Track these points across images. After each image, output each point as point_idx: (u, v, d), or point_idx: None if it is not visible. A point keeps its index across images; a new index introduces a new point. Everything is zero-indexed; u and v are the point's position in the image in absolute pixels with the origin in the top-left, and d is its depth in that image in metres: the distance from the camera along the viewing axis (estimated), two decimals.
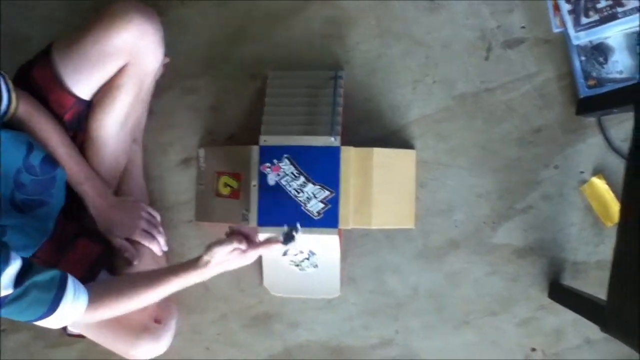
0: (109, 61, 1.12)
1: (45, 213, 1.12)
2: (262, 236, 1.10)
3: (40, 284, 0.89)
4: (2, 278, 0.83)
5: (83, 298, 0.95)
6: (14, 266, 0.86)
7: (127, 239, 1.19)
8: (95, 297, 0.97)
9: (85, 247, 1.18)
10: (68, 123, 1.16)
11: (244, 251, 1.04)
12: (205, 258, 1.01)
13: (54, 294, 0.90)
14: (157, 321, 1.18)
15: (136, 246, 1.20)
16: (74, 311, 0.94)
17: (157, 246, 1.21)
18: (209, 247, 1.03)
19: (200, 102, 1.33)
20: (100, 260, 1.19)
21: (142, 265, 1.21)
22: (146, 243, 1.19)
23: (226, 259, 1.03)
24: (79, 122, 1.18)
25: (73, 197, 1.17)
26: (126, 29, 1.09)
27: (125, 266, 1.21)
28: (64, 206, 1.17)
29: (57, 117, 1.14)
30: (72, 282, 0.94)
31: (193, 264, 1.02)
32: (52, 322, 0.93)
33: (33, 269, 0.89)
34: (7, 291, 0.85)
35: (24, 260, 0.88)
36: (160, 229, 1.24)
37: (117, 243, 1.19)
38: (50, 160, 1.12)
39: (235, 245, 1.03)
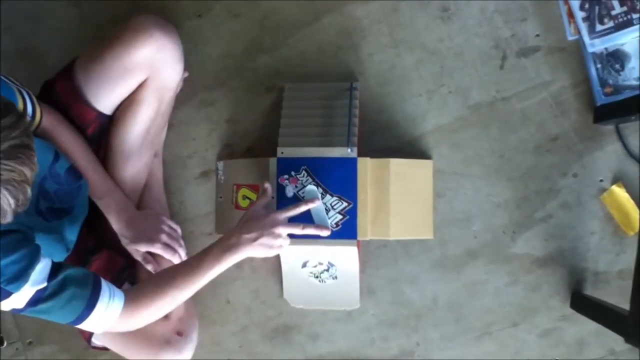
0: (129, 76, 1.14)
1: (68, 223, 1.13)
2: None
3: (76, 278, 0.90)
4: (35, 271, 0.84)
5: (119, 296, 0.95)
6: (45, 262, 0.87)
7: (149, 252, 1.20)
8: (132, 298, 0.97)
9: (108, 259, 1.20)
10: (90, 137, 1.18)
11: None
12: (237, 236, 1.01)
13: (90, 290, 0.91)
14: (179, 334, 1.18)
15: (157, 259, 1.21)
16: (112, 311, 0.94)
17: (179, 259, 1.22)
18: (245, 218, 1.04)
19: (217, 115, 1.35)
20: (123, 273, 1.20)
21: None
22: (168, 256, 1.20)
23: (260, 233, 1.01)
24: (100, 136, 1.20)
25: (94, 210, 1.19)
26: (146, 44, 1.11)
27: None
28: (91, 227, 1.19)
29: (80, 131, 1.16)
30: (105, 282, 0.95)
31: (225, 241, 1.02)
32: (91, 323, 0.93)
33: (64, 266, 0.90)
34: (42, 285, 0.86)
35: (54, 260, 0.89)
36: (182, 241, 1.25)
37: (139, 256, 1.20)
38: (75, 171, 1.13)
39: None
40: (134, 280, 1.24)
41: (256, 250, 1.03)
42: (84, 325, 0.93)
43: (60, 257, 1.12)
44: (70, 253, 1.15)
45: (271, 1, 1.34)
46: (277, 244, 1.04)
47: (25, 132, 0.74)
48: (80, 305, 0.91)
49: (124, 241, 1.19)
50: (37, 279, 0.86)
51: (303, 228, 1.07)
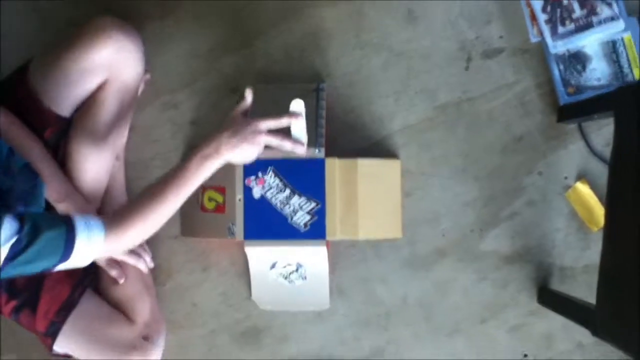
0: (88, 78, 1.11)
1: None
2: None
3: (46, 222, 0.85)
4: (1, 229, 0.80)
5: (97, 225, 0.90)
6: (8, 218, 0.82)
7: (112, 258, 1.17)
8: (116, 221, 0.93)
9: None
10: (48, 141, 1.14)
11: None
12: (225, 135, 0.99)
13: (65, 227, 0.86)
14: (146, 338, 1.16)
15: (121, 264, 1.18)
16: (95, 240, 0.89)
17: (143, 264, 1.19)
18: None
19: (181, 117, 1.32)
20: (85, 279, 1.16)
21: (128, 283, 1.19)
22: (132, 262, 1.17)
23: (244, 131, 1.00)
24: (58, 140, 1.16)
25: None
26: (105, 45, 1.08)
27: (112, 285, 1.19)
28: None
29: (37, 134, 1.12)
30: (77, 215, 0.90)
31: (205, 147, 0.99)
32: (76, 258, 0.88)
33: (29, 215, 0.85)
34: (13, 239, 0.81)
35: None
36: (146, 246, 1.22)
37: (102, 262, 1.17)
38: (31, 169, 1.08)
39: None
40: (96, 286, 1.20)
41: (236, 155, 1.00)
42: (71, 263, 0.88)
43: None
44: None
45: (236, 3, 1.32)
46: (255, 150, 1.02)
47: None
48: (60, 245, 0.85)
49: None
50: (6, 236, 0.80)
51: (281, 140, 1.04)
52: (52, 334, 1.12)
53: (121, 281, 1.18)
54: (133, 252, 1.18)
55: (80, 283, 1.16)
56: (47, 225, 0.85)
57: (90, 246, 0.89)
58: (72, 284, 1.14)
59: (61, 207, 1.13)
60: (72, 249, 0.87)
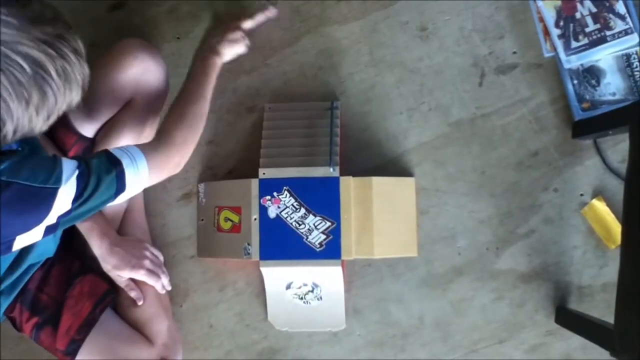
0: (113, 98, 1.13)
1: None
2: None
3: (99, 166, 0.91)
4: (63, 167, 0.86)
5: (139, 156, 0.97)
6: (66, 160, 0.88)
7: (132, 279, 1.18)
8: (155, 145, 1.02)
9: (92, 283, 1.18)
10: None
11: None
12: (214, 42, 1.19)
13: (114, 170, 0.92)
14: None
15: (140, 285, 1.19)
16: (141, 171, 0.96)
17: (161, 285, 1.20)
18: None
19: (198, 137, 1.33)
20: (106, 297, 1.18)
21: (146, 304, 1.20)
22: (152, 282, 1.18)
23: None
24: None
25: (80, 235, 1.16)
26: (131, 65, 1.10)
27: (131, 305, 1.20)
28: (70, 243, 1.17)
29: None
30: (119, 150, 0.96)
31: (201, 54, 1.19)
32: (129, 191, 0.96)
33: (82, 159, 0.91)
34: (75, 173, 0.87)
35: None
36: (164, 268, 1.23)
37: (121, 283, 1.18)
38: None
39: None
40: (116, 306, 1.22)
41: (226, 45, 1.19)
42: (125, 195, 0.96)
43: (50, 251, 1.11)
44: (54, 275, 1.13)
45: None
46: (239, 35, 1.22)
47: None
48: (113, 182, 0.92)
49: (106, 267, 1.17)
50: (68, 174, 0.86)
51: (253, 18, 1.25)
52: (71, 352, 1.13)
53: (140, 302, 1.19)
54: (152, 272, 1.19)
55: (101, 301, 1.17)
56: (98, 166, 0.91)
57: (139, 175, 0.96)
58: (93, 301, 1.15)
59: (84, 227, 1.15)
60: (124, 185, 0.94)
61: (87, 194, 0.88)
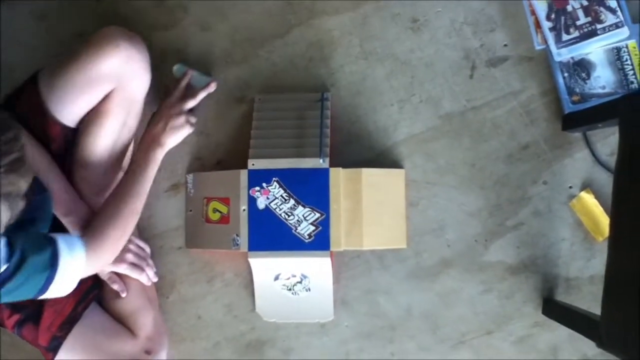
0: (95, 87, 1.11)
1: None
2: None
3: (32, 246, 0.88)
4: None
5: (78, 244, 0.95)
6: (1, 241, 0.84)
7: (115, 272, 1.18)
8: (90, 237, 0.99)
9: None
10: (55, 152, 1.15)
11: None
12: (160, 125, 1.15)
13: (49, 253, 0.90)
14: (148, 352, 1.16)
15: (124, 278, 1.18)
16: (77, 260, 0.94)
17: (146, 277, 1.20)
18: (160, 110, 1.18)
19: None
20: (90, 293, 1.17)
21: (131, 297, 1.19)
22: (135, 275, 1.18)
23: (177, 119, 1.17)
24: (65, 151, 1.16)
25: (63, 229, 1.15)
26: (113, 54, 1.08)
27: (114, 298, 1.19)
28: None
29: (43, 145, 1.13)
30: (60, 236, 0.94)
31: (143, 143, 1.14)
32: (60, 283, 0.92)
33: (18, 237, 0.88)
34: (4, 266, 0.83)
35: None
36: (149, 260, 1.22)
37: (103, 276, 1.17)
38: (39, 182, 1.09)
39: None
40: (100, 298, 1.21)
41: (169, 134, 1.16)
42: (54, 289, 0.92)
43: None
44: None
45: (240, 13, 1.33)
46: (182, 121, 1.18)
47: (22, 146, 0.75)
48: (44, 272, 0.89)
49: None
50: None
51: (195, 97, 1.22)
52: (53, 348, 1.13)
53: (123, 295, 1.19)
54: (135, 265, 1.18)
55: (84, 298, 1.16)
56: (33, 250, 0.87)
57: (73, 267, 0.93)
58: (76, 298, 1.14)
59: (68, 221, 1.13)
60: (56, 271, 0.90)
61: (11, 284, 0.86)
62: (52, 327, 1.13)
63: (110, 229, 1.04)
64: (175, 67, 1.29)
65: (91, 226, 1.05)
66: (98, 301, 1.21)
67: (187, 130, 1.19)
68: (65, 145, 1.16)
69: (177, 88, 1.23)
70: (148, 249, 1.23)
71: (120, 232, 1.05)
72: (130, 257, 1.18)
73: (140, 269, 1.19)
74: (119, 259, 1.16)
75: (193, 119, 1.21)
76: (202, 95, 1.24)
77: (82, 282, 1.16)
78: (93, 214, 1.16)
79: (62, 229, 1.15)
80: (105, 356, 1.11)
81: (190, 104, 1.21)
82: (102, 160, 1.17)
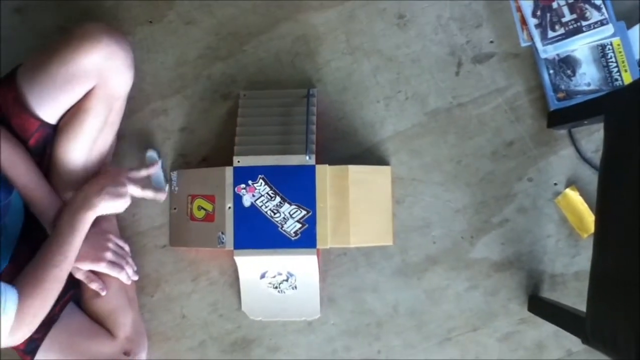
0: (76, 83, 1.09)
1: (1, 240, 1.07)
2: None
3: None
4: None
5: (10, 296, 0.91)
6: None
7: (92, 270, 1.15)
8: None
9: None
10: (33, 148, 1.12)
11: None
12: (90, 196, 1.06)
13: None
14: (127, 353, 1.14)
15: (102, 277, 1.16)
16: (7, 316, 0.90)
17: (125, 276, 1.17)
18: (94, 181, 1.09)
19: (171, 124, 1.31)
20: (66, 294, 1.15)
21: (110, 296, 1.17)
22: (114, 274, 1.15)
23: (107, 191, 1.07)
24: (44, 147, 1.14)
25: (40, 228, 1.13)
26: (94, 50, 1.06)
27: (93, 298, 1.17)
28: (28, 236, 1.13)
29: (21, 141, 1.11)
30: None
31: (73, 202, 1.05)
32: None
33: None
34: None
35: None
36: (129, 259, 1.20)
37: (79, 275, 1.15)
38: (6, 186, 1.07)
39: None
40: (78, 298, 1.19)
41: (104, 199, 1.07)
42: None
43: None
44: (9, 271, 1.08)
45: (226, 8, 1.32)
46: (122, 191, 1.10)
47: None
48: None
49: None
50: None
51: (142, 189, 1.14)
52: (30, 351, 1.11)
53: (103, 293, 1.16)
54: (115, 264, 1.15)
55: (60, 298, 1.11)
56: None
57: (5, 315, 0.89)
58: None
59: (44, 219, 1.12)
60: None
61: None
62: None
63: (32, 299, 0.96)
64: (149, 154, 1.28)
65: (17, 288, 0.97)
66: (76, 301, 1.19)
67: (124, 204, 1.10)
68: (44, 144, 1.14)
69: (137, 171, 1.16)
70: (127, 247, 1.21)
71: (44, 303, 0.98)
72: (109, 255, 1.16)
73: (120, 267, 1.16)
74: (99, 258, 1.14)
75: (129, 198, 1.12)
76: (149, 194, 1.16)
77: None
78: None
79: (35, 227, 1.13)
80: (84, 357, 1.10)
81: (136, 191, 1.13)
82: (82, 158, 1.15)
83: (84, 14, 1.31)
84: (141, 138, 1.31)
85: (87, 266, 1.14)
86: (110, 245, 1.17)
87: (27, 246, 1.14)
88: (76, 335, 1.13)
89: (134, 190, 1.13)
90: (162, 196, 1.21)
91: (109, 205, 1.08)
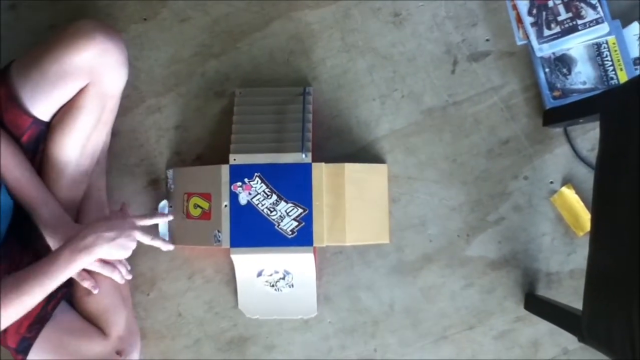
0: (69, 80, 1.08)
1: None
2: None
3: None
4: None
5: None
6: None
7: (83, 269, 1.14)
8: None
9: None
10: (25, 145, 1.12)
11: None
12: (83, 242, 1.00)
13: None
14: (119, 353, 1.13)
15: (94, 275, 1.14)
16: None
17: (119, 275, 1.14)
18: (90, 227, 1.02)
19: (166, 122, 1.31)
20: (58, 292, 1.12)
21: (103, 295, 1.16)
22: (107, 273, 1.12)
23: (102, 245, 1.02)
24: (37, 143, 1.13)
25: (31, 225, 1.12)
26: (87, 47, 1.05)
27: (85, 296, 1.16)
28: (21, 235, 1.12)
29: (14, 138, 1.10)
30: None
31: (80, 240, 1.00)
32: None
33: None
34: None
35: None
36: (123, 258, 1.19)
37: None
38: None
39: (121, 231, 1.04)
40: (71, 297, 1.18)
41: (112, 249, 1.03)
42: None
43: None
44: (1, 271, 1.07)
45: (220, 5, 1.31)
46: (131, 246, 1.06)
47: None
48: None
49: None
50: None
51: (152, 239, 1.10)
52: (23, 350, 1.10)
53: (95, 291, 1.14)
54: (107, 263, 1.13)
55: (53, 296, 1.10)
56: None
57: None
58: (45, 298, 1.11)
59: (35, 215, 1.10)
60: None
61: None
62: (21, 328, 1.09)
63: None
64: (161, 204, 1.26)
65: None
66: (68, 300, 1.17)
67: (129, 251, 1.06)
68: (37, 140, 1.13)
69: (148, 218, 1.13)
70: None
71: (4, 320, 0.95)
72: None
73: (112, 266, 1.13)
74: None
75: (145, 240, 1.09)
76: (158, 243, 1.12)
77: None
78: (62, 210, 1.13)
79: (26, 223, 1.12)
80: (75, 356, 1.08)
81: (145, 239, 1.09)
82: (74, 155, 1.14)
83: (78, 11, 1.30)
84: (136, 135, 1.30)
85: (78, 264, 1.12)
86: None
87: (25, 254, 1.14)
88: (68, 334, 1.12)
89: (143, 239, 1.09)
90: (169, 247, 1.15)
91: (114, 254, 1.05)
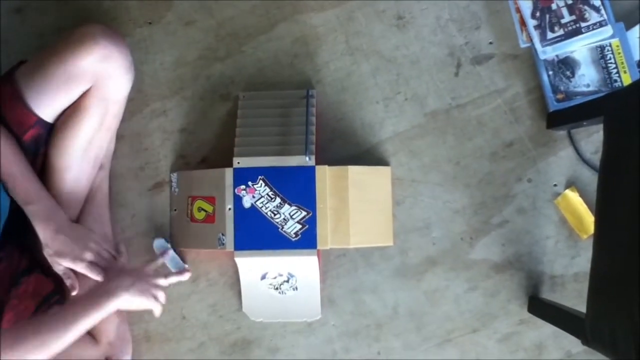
0: (72, 84, 1.09)
1: None
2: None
3: None
4: None
5: None
6: None
7: (69, 267, 1.12)
8: (8, 337, 0.93)
9: (37, 282, 1.12)
10: (27, 144, 1.12)
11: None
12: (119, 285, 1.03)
13: None
14: (109, 359, 1.14)
15: (79, 276, 1.13)
16: None
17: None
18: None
19: (171, 125, 1.31)
20: (52, 297, 1.13)
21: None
22: (93, 276, 1.11)
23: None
24: (37, 145, 1.14)
25: (30, 229, 1.11)
26: (92, 51, 1.06)
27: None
28: (18, 238, 1.12)
29: (15, 137, 1.10)
30: None
31: (102, 287, 1.03)
32: None
33: None
34: None
35: None
36: (116, 263, 1.16)
37: (59, 270, 1.12)
38: None
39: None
40: (63, 302, 1.16)
41: (131, 293, 1.04)
42: None
43: None
44: (3, 269, 1.08)
45: (225, 9, 1.32)
46: (153, 292, 1.08)
47: None
48: None
49: (48, 252, 1.10)
50: None
51: (166, 277, 1.13)
52: None
53: (73, 293, 1.13)
54: (95, 266, 1.12)
55: (45, 301, 1.11)
56: None
57: None
58: (37, 301, 1.10)
59: (29, 210, 1.10)
60: None
61: None
62: None
63: (28, 344, 0.94)
64: (156, 243, 1.26)
65: (17, 328, 0.97)
66: (61, 304, 1.17)
67: (151, 303, 1.08)
68: (38, 140, 1.13)
69: (153, 263, 1.15)
70: (121, 253, 1.18)
71: (35, 354, 0.95)
72: (90, 256, 1.12)
73: (100, 270, 1.12)
74: (79, 257, 1.11)
75: (162, 297, 1.10)
76: (173, 279, 1.14)
77: (44, 286, 1.13)
78: (57, 207, 1.13)
79: (22, 221, 1.12)
80: None
81: (162, 282, 1.11)
82: (76, 158, 1.15)
83: (84, 14, 1.31)
84: (141, 138, 1.31)
85: (67, 263, 1.11)
86: (93, 245, 1.13)
87: (23, 257, 1.14)
88: None
89: (161, 281, 1.11)
90: (186, 277, 1.17)
91: (138, 301, 1.06)
